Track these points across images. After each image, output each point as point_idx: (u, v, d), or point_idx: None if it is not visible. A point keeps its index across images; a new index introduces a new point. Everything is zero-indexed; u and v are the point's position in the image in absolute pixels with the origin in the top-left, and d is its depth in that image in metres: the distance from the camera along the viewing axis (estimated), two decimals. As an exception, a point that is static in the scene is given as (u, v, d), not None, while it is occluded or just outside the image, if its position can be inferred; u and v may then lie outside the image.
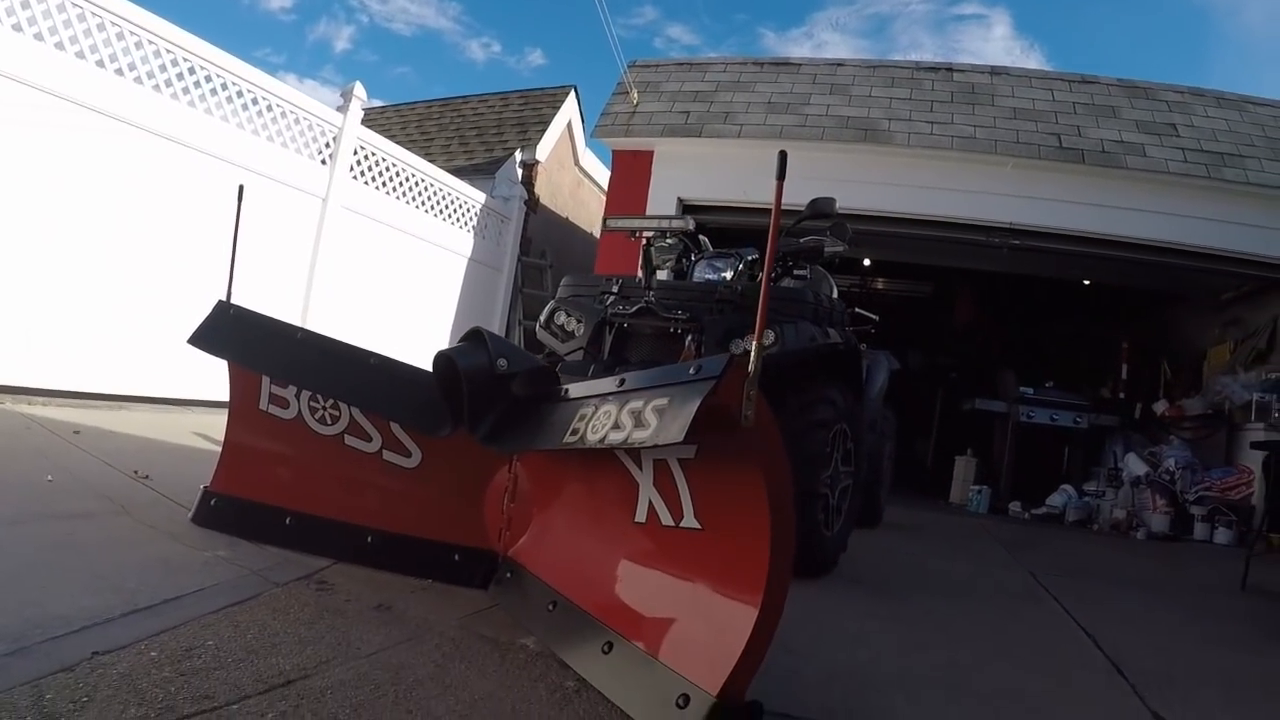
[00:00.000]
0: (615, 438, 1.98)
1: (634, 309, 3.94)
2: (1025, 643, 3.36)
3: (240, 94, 6.37)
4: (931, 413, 12.57)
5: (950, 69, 9.22)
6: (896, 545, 5.74)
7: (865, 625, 3.22)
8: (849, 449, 4.27)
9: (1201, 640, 3.81)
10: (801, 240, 4.97)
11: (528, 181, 10.67)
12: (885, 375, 5.67)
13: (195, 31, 5.94)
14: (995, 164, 8.30)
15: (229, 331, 3.03)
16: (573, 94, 11.83)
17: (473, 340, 2.66)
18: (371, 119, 12.98)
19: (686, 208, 8.91)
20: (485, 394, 2.58)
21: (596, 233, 12.98)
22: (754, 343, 1.79)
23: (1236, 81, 48.62)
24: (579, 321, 4.13)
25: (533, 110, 11.68)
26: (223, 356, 3.01)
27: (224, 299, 3.10)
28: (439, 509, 2.94)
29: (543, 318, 4.31)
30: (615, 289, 4.17)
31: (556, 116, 11.44)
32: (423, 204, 8.49)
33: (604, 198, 13.32)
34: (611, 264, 8.76)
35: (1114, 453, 9.57)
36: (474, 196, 9.27)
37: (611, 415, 2.04)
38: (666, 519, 2.19)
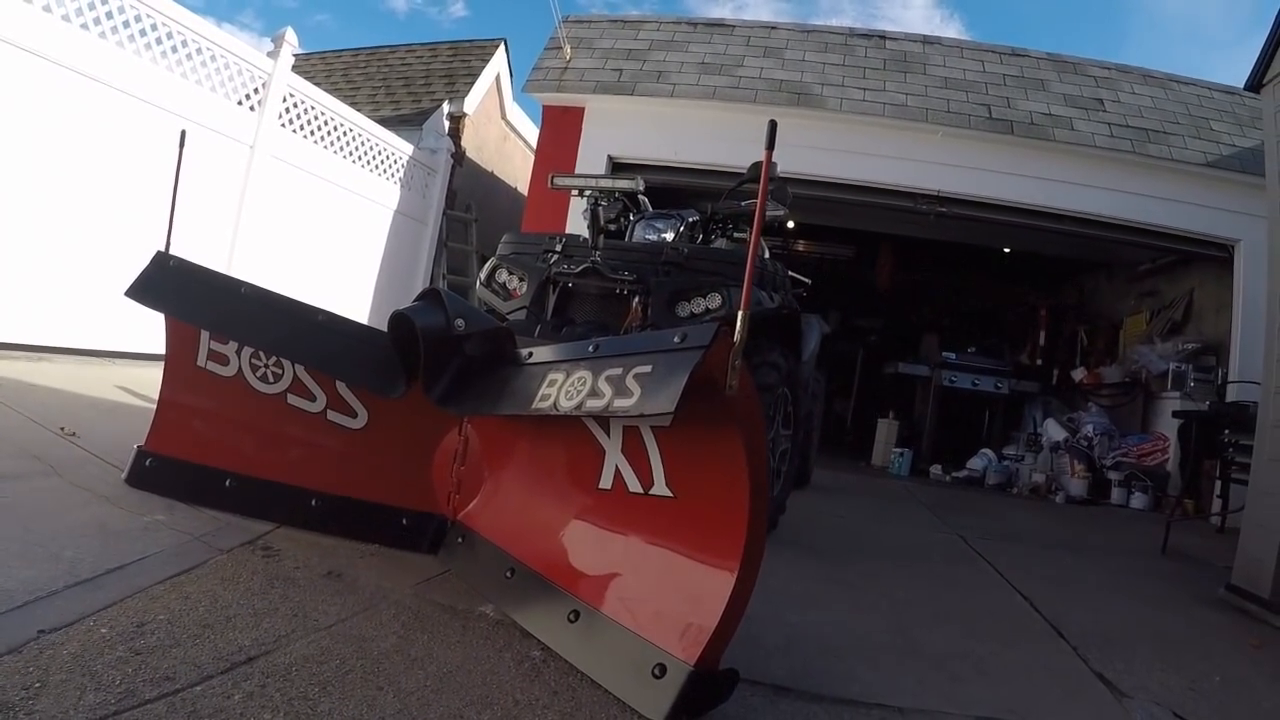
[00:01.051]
0: (593, 405, 1.94)
1: (579, 269, 3.87)
2: (967, 606, 3.44)
3: (170, 35, 6.05)
4: (852, 373, 12.74)
5: (883, 36, 9.25)
6: (828, 507, 5.82)
7: (811, 588, 3.25)
8: (789, 412, 4.31)
9: (1131, 601, 3.96)
10: (743, 203, 4.96)
11: (455, 134, 10.42)
12: (817, 339, 5.71)
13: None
14: (925, 132, 8.36)
15: (169, 284, 2.88)
16: (502, 47, 11.55)
17: (429, 299, 2.59)
18: (297, 66, 12.46)
19: (616, 165, 8.82)
20: (441, 354, 2.53)
21: (521, 187, 12.79)
22: (741, 311, 1.77)
23: (1150, 58, 50.09)
24: (521, 280, 4.05)
25: (461, 62, 11.38)
26: (162, 310, 2.87)
27: (163, 249, 2.94)
28: (386, 471, 2.86)
29: (483, 274, 4.21)
30: (558, 248, 4.09)
31: (485, 69, 11.17)
32: (351, 154, 8.22)
33: (530, 152, 13.15)
34: (539, 220, 8.66)
35: (1033, 418, 9.85)
36: (401, 148, 9.01)
37: (587, 382, 2.00)
38: (635, 486, 2.17)
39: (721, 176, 8.71)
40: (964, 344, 10.49)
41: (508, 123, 12.25)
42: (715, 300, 3.73)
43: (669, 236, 4.56)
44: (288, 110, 7.35)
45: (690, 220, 4.74)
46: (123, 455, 2.98)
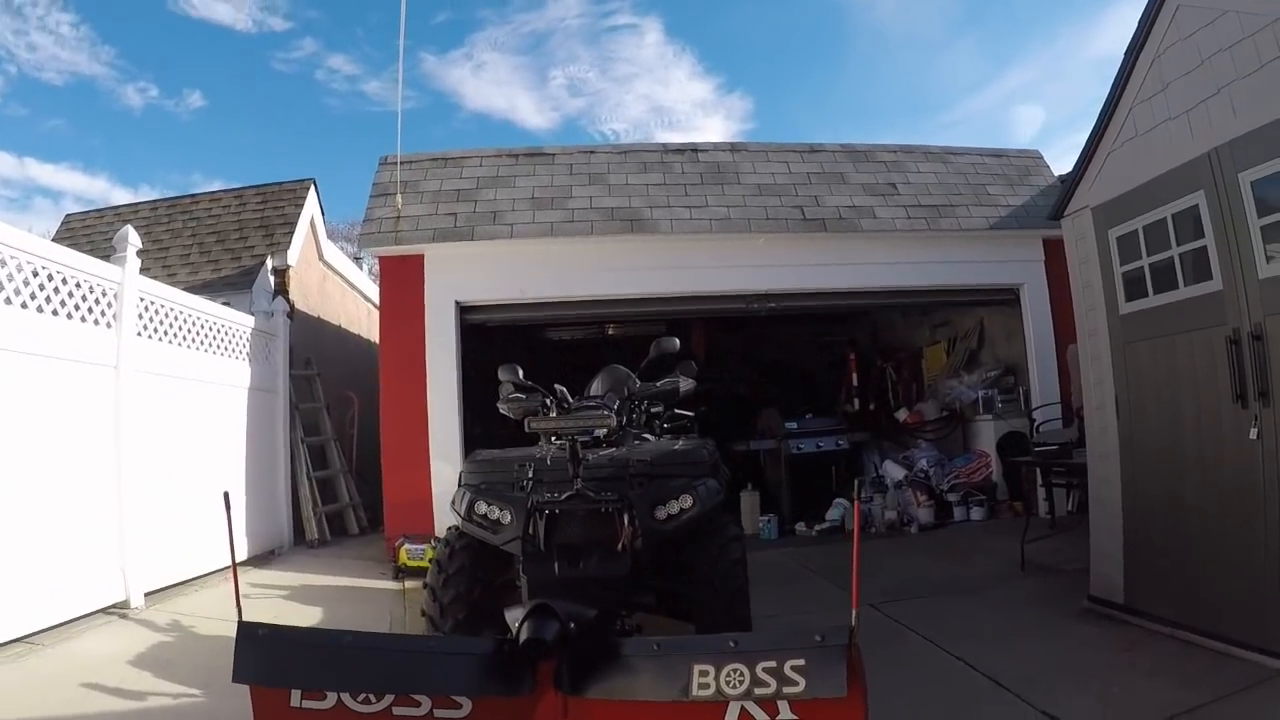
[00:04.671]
0: (763, 692, 2.68)
1: (565, 496, 4.29)
2: (919, 684, 4.52)
3: (20, 268, 5.78)
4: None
5: (695, 149, 10.32)
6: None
7: None
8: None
9: (1025, 635, 5.26)
10: (657, 384, 5.75)
11: (281, 288, 10.49)
12: None
13: None
14: (749, 240, 9.42)
15: (270, 655, 3.08)
16: (313, 189, 11.71)
17: (542, 614, 3.20)
18: (90, 226, 12.20)
19: (464, 309, 9.28)
20: (564, 653, 3.12)
21: (344, 325, 13.11)
22: (852, 610, 2.66)
23: (872, 62, 54.72)
24: (502, 510, 4.43)
25: (274, 209, 11.47)
26: (279, 685, 3.04)
27: (244, 619, 3.08)
28: None
29: (462, 508, 4.57)
30: (531, 474, 4.56)
31: (300, 215, 11.34)
32: (204, 345, 8.19)
33: (348, 288, 13.39)
34: (399, 372, 9.10)
35: (873, 463, 11.12)
36: (245, 323, 9.00)
37: (744, 674, 2.71)
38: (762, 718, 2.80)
39: (566, 307, 9.52)
40: (791, 406, 11.54)
41: (325, 263, 12.34)
42: (688, 501, 4.41)
43: (601, 433, 5.24)
44: (141, 316, 7.20)
45: (613, 407, 5.43)
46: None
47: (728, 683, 2.72)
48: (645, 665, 3.02)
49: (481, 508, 4.53)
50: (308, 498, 9.91)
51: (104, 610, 6.18)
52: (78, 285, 6.41)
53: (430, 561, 4.95)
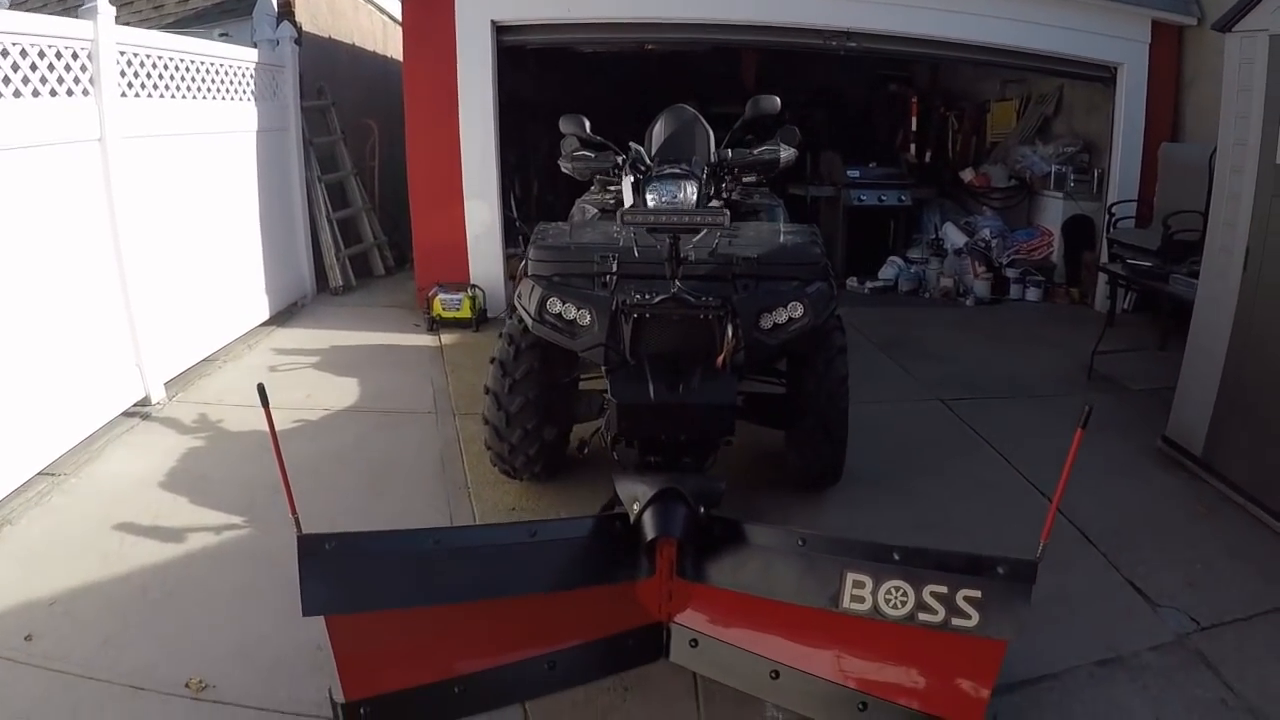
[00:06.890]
0: (929, 619, 2.40)
1: (658, 299, 3.66)
2: (1002, 520, 4.38)
3: None
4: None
5: None
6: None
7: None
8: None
9: (1102, 472, 4.93)
10: (755, 151, 4.96)
11: (286, 9, 9.28)
12: None
13: None
14: (833, -36, 8.20)
15: (342, 575, 2.60)
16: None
17: (668, 501, 2.87)
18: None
19: (501, 29, 8.18)
20: (694, 540, 2.86)
21: (358, 43, 11.88)
22: (1041, 542, 2.40)
23: None
24: (580, 309, 3.83)
25: (269, -84, 9.89)
26: (359, 610, 2.63)
27: (303, 531, 2.55)
28: (599, 609, 2.95)
29: (531, 305, 3.94)
30: (614, 268, 3.89)
31: (298, -83, 9.73)
32: (203, 92, 7.13)
33: (362, 2, 11.98)
34: (423, 102, 8.22)
35: (933, 223, 10.51)
36: (247, 58, 7.90)
37: (908, 595, 2.42)
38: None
39: (616, 29, 8.50)
40: (848, 149, 10.72)
41: (334, -28, 10.92)
42: (798, 310, 3.81)
43: (691, 191, 4.57)
44: (124, 74, 6.02)
45: (703, 176, 4.69)
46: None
47: (887, 601, 2.45)
48: (787, 563, 2.74)
49: (555, 306, 3.90)
50: (329, 242, 9.29)
51: (125, 414, 5.60)
52: (40, 54, 5.14)
53: (490, 360, 4.38)
